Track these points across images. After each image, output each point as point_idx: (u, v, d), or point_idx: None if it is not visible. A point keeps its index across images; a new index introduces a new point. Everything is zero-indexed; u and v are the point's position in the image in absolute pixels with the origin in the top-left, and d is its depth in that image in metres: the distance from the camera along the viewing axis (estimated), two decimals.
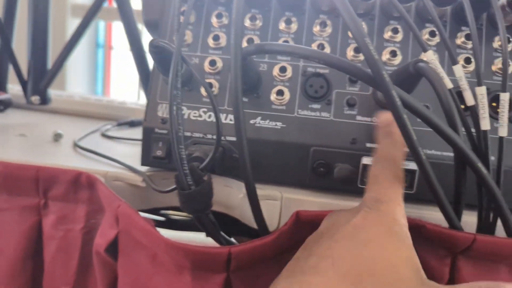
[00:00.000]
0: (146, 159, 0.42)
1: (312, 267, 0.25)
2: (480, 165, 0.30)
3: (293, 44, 0.40)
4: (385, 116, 0.32)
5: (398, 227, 0.27)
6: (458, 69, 0.31)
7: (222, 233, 0.38)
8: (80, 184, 0.41)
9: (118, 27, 1.83)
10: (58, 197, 0.42)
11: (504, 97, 0.30)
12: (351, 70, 0.28)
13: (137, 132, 0.58)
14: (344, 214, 0.29)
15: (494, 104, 0.38)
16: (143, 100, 1.18)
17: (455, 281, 0.36)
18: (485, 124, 0.30)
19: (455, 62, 0.31)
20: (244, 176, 0.33)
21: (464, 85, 0.31)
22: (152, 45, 0.34)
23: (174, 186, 0.35)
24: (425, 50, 0.32)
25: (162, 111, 0.42)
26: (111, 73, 1.94)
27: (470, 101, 0.31)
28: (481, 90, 0.30)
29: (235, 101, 0.30)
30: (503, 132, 0.31)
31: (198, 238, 0.49)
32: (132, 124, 0.72)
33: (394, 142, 0.31)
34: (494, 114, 0.38)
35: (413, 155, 0.29)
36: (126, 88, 1.90)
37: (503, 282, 0.25)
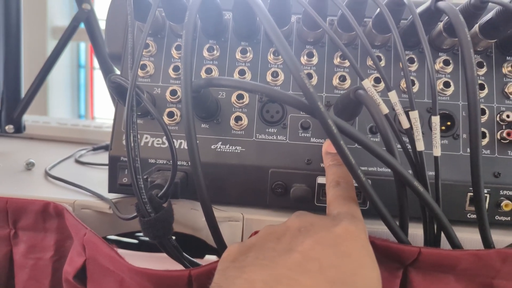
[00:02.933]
0: (113, 186, 0.44)
1: (297, 265, 0.26)
2: (416, 183, 0.32)
3: (238, 79, 0.42)
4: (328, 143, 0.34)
5: (370, 247, 0.30)
6: (393, 95, 0.33)
7: (186, 255, 0.40)
8: (48, 213, 0.43)
9: None
10: (27, 227, 0.43)
11: (435, 120, 0.32)
12: (290, 102, 0.30)
13: None
14: (319, 218, 0.31)
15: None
16: None
17: None
18: (419, 145, 0.33)
19: (389, 88, 0.34)
20: (200, 198, 0.35)
21: (399, 109, 0.33)
22: (109, 80, 0.36)
23: (135, 214, 0.36)
24: (362, 79, 0.34)
25: None
26: (94, 93, 1.95)
27: (405, 125, 0.33)
28: (414, 114, 0.33)
29: (188, 131, 0.32)
30: (437, 152, 0.33)
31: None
32: (108, 148, 0.73)
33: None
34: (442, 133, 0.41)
35: (354, 177, 0.31)
36: (109, 108, 1.91)
37: None
